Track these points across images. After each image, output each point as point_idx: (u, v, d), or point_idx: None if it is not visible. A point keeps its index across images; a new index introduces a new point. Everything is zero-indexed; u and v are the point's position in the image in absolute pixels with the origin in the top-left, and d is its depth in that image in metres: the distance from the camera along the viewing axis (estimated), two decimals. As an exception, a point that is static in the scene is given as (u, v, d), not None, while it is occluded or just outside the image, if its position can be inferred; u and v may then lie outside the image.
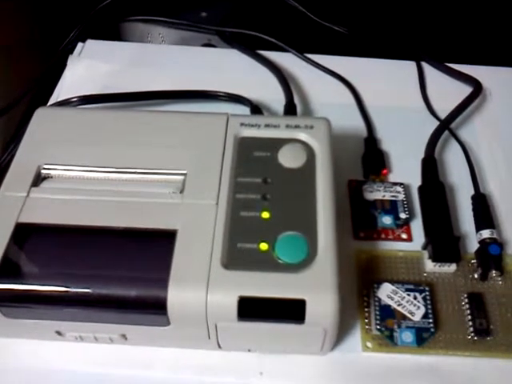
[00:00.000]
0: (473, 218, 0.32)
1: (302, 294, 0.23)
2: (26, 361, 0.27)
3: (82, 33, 0.44)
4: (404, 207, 0.32)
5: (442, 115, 0.37)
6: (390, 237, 0.32)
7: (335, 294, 0.23)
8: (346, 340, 0.28)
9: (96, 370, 0.27)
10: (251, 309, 0.24)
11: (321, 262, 0.24)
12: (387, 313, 0.28)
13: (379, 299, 0.29)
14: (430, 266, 0.30)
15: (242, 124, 0.30)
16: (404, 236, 0.32)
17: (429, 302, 0.28)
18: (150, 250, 0.25)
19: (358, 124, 0.38)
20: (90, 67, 0.41)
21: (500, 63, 0.42)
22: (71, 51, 0.43)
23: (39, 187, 0.27)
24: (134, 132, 0.30)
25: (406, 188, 0.33)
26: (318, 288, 0.24)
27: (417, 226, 0.32)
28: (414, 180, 0.34)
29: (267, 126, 0.30)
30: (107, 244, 0.25)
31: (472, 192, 0.33)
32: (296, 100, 0.37)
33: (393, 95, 0.40)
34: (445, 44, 0.45)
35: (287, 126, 0.30)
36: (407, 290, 0.29)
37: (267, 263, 0.25)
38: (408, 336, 0.27)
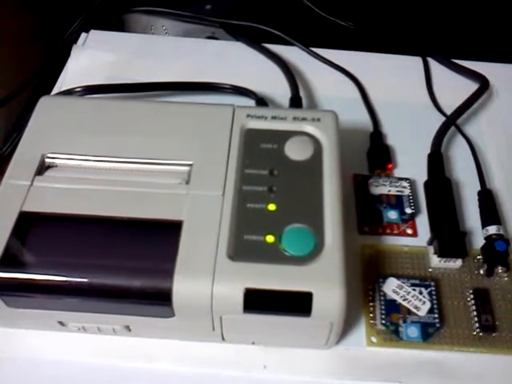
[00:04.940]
0: (479, 214, 0.32)
1: (308, 287, 0.23)
2: (29, 351, 0.27)
3: (85, 23, 0.44)
4: (409, 202, 0.32)
5: (448, 111, 0.37)
6: (396, 232, 0.31)
7: (342, 287, 0.23)
8: (351, 334, 0.28)
9: (98, 362, 0.27)
10: (257, 301, 0.23)
11: (328, 254, 0.24)
12: (392, 307, 0.28)
13: (384, 294, 0.28)
14: (435, 261, 0.30)
15: (248, 115, 0.29)
16: (409, 231, 0.32)
17: (434, 297, 0.28)
18: (156, 240, 0.25)
19: (364, 119, 0.38)
20: (94, 57, 0.41)
21: (507, 60, 0.41)
22: (75, 41, 0.42)
23: (43, 176, 0.27)
24: (140, 122, 0.29)
25: (412, 183, 0.33)
26: (324, 281, 0.23)
27: (422, 222, 0.32)
28: (420, 175, 0.33)
29: (274, 118, 0.29)
30: (112, 234, 0.25)
31: (478, 188, 0.33)
32: (301, 94, 0.37)
33: (399, 90, 0.39)
34: (451, 40, 0.45)
35: (294, 119, 0.29)
36: (413, 284, 0.29)
37: (273, 255, 0.24)
38: (413, 331, 0.27)
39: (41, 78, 0.40)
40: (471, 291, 0.29)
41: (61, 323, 0.26)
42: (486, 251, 0.30)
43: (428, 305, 0.28)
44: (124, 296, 0.24)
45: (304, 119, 0.29)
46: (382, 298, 0.28)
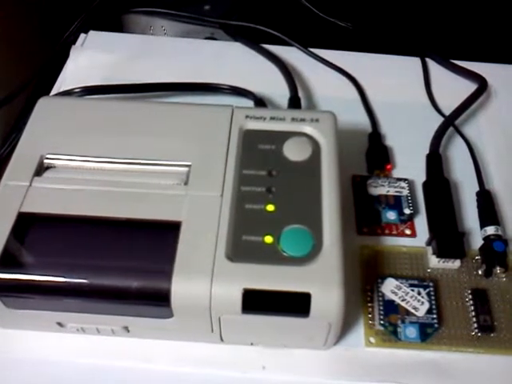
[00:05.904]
0: (477, 215, 0.32)
1: (307, 288, 0.23)
2: (27, 352, 0.27)
3: (84, 24, 0.44)
4: (408, 203, 0.32)
5: (447, 112, 0.37)
6: (394, 232, 0.31)
7: (341, 288, 0.23)
8: (349, 335, 0.28)
9: (97, 362, 0.27)
10: (256, 301, 0.23)
11: (326, 255, 0.24)
12: (391, 308, 0.28)
13: (383, 294, 0.28)
14: (434, 261, 0.30)
15: (247, 116, 0.29)
16: (408, 232, 0.32)
17: (433, 297, 0.28)
18: (154, 241, 0.25)
19: (362, 119, 0.38)
20: (93, 58, 0.41)
21: (505, 60, 0.41)
22: (74, 42, 0.42)
23: (42, 177, 0.27)
24: (139, 123, 0.29)
25: (411, 184, 0.33)
26: (323, 281, 0.23)
27: (421, 222, 0.32)
28: (419, 176, 0.33)
29: (272, 118, 0.29)
30: (111, 235, 0.25)
31: (476, 188, 0.33)
32: (300, 94, 0.37)
33: (397, 91, 0.39)
34: (450, 40, 0.45)
35: (293, 119, 0.29)
36: (411, 285, 0.29)
37: (272, 256, 0.24)
38: (412, 331, 0.27)
39: (40, 79, 0.40)
40: (469, 292, 0.29)
41: (59, 324, 0.26)
42: (485, 252, 0.30)
43: (426, 305, 0.28)
44: (123, 297, 0.24)
45: (302, 120, 0.29)
46: (381, 298, 0.28)
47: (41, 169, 0.27)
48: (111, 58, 0.41)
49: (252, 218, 0.26)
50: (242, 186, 0.27)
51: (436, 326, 0.27)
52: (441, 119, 0.36)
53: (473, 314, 0.28)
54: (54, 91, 0.39)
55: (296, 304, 0.23)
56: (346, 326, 0.27)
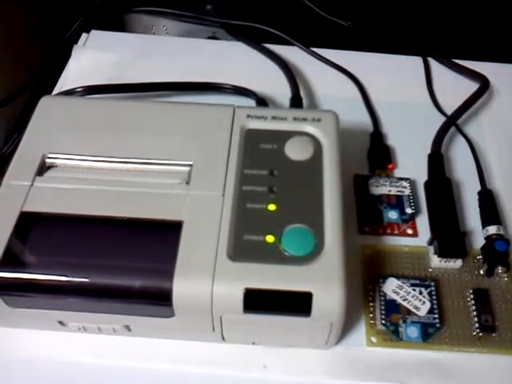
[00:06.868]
0: (479, 214, 0.32)
1: (308, 287, 0.23)
2: (29, 351, 0.27)
3: (86, 23, 0.44)
4: (410, 202, 0.32)
5: (449, 111, 0.37)
6: (396, 232, 0.31)
7: (342, 288, 0.23)
8: (351, 334, 0.28)
9: (98, 362, 0.27)
10: (257, 301, 0.23)
11: (328, 254, 0.24)
12: (392, 308, 0.28)
13: (384, 294, 0.28)
14: (435, 261, 0.30)
15: (248, 116, 0.29)
16: (409, 231, 0.32)
17: (434, 297, 0.28)
18: (156, 240, 0.25)
19: (364, 119, 0.38)
20: (95, 58, 0.41)
21: (507, 59, 0.41)
22: (76, 41, 0.42)
23: (44, 176, 0.27)
24: (140, 122, 0.29)
25: (412, 183, 0.33)
26: (324, 281, 0.23)
27: (422, 222, 0.32)
28: (420, 175, 0.33)
29: (274, 118, 0.29)
30: (112, 234, 0.25)
31: (478, 188, 0.33)
32: (301, 94, 0.37)
33: (399, 90, 0.39)
34: (451, 40, 0.45)
35: (294, 119, 0.29)
36: (413, 285, 0.29)
37: (273, 255, 0.24)
38: (413, 331, 0.27)
39: (42, 78, 0.40)
40: (471, 291, 0.29)
41: (61, 323, 0.26)
42: (486, 251, 0.30)
43: (428, 305, 0.28)
44: (124, 296, 0.24)
45: (304, 119, 0.29)
46: (382, 298, 0.28)
47: (43, 168, 0.27)
48: (113, 58, 0.41)
49: (253, 217, 0.26)
50: (244, 186, 0.27)
51: (437, 325, 0.27)
52: (443, 119, 0.36)
53: (474, 313, 0.28)
54: (55, 90, 0.39)
55: (297, 303, 0.23)
56: (347, 326, 0.27)
